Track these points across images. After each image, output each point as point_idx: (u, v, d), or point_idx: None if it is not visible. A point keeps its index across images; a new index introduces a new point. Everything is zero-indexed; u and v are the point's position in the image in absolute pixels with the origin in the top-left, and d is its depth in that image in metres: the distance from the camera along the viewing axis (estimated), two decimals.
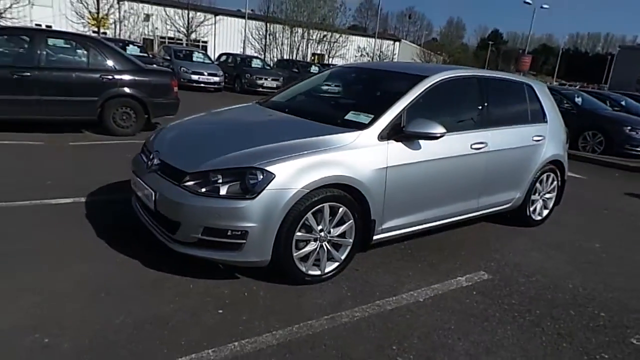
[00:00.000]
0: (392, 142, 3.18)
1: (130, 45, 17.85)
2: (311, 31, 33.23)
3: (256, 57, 22.36)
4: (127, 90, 6.98)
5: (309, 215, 2.82)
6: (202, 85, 16.20)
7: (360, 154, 3.02)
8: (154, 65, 10.91)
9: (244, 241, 2.68)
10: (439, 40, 65.54)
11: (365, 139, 3.08)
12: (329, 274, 3.05)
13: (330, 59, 34.60)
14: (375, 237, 3.25)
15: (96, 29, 26.45)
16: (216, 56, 24.26)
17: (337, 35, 34.77)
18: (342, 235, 3.04)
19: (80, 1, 26.18)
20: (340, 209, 2.95)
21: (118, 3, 29.88)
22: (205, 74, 16.33)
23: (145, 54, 17.97)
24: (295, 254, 2.85)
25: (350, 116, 3.35)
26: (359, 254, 3.39)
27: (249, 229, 2.65)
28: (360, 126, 3.16)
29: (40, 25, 26.95)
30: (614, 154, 9.80)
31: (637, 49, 57.77)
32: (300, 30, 33.01)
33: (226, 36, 39.54)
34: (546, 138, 4.41)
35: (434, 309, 2.85)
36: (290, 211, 2.71)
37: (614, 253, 4.18)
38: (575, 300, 3.16)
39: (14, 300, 2.47)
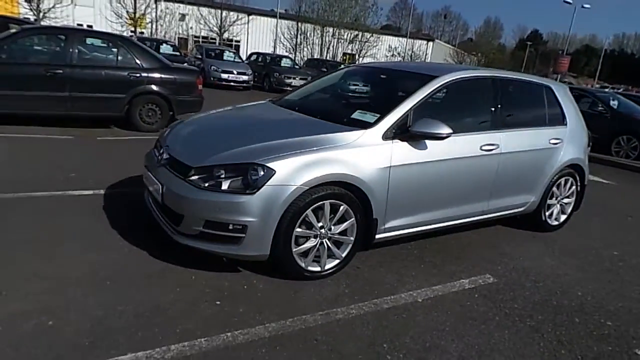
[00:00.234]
0: (397, 142, 3.18)
1: (164, 44, 18.42)
2: (342, 31, 33.24)
3: (285, 57, 22.56)
4: (153, 87, 7.21)
5: (309, 212, 2.86)
6: (231, 83, 16.49)
7: (363, 152, 3.03)
8: (185, 64, 11.23)
9: (243, 235, 2.74)
10: (474, 40, 64.25)
11: (368, 137, 3.10)
12: (329, 271, 3.08)
13: (361, 59, 34.53)
14: (377, 236, 3.26)
15: (133, 29, 27.35)
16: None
17: (368, 35, 34.64)
18: (344, 233, 3.06)
19: (118, 1, 27.13)
20: (341, 207, 2.97)
21: (155, 3, 30.77)
22: (235, 72, 16.61)
23: (178, 53, 18.50)
24: (294, 250, 2.89)
25: (356, 115, 3.38)
26: (364, 252, 3.42)
27: (248, 223, 2.72)
28: (365, 125, 3.18)
29: (81, 25, 28.05)
30: None
31: None
32: (331, 29, 33.08)
33: (259, 35, 40.08)
34: (564, 141, 4.29)
35: (431, 310, 2.84)
36: (289, 207, 2.76)
37: (632, 262, 4.03)
38: (581, 308, 3.08)
39: (25, 286, 2.61)
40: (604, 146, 9.91)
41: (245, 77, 16.85)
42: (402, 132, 3.20)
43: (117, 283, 2.74)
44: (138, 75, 7.06)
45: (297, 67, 21.09)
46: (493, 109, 3.84)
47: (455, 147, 3.43)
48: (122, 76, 6.97)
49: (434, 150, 3.30)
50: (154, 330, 2.35)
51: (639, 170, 8.85)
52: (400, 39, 44.82)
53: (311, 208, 2.85)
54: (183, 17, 34.64)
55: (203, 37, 34.60)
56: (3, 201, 3.76)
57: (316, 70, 20.49)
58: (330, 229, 3.00)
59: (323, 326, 2.55)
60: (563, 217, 4.63)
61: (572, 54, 47.46)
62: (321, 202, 2.88)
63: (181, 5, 34.32)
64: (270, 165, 2.75)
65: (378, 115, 3.24)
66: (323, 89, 4.53)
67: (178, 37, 33.80)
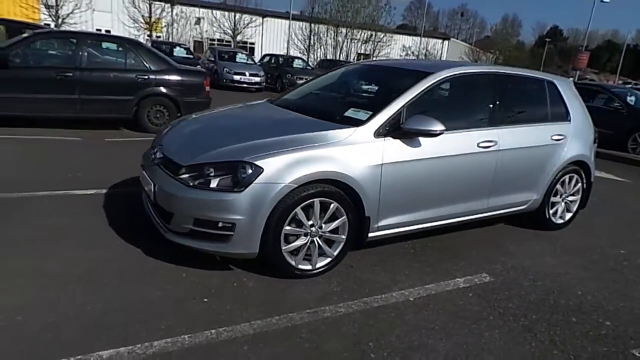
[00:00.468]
0: (390, 139, 3.15)
1: (177, 48, 18.67)
2: (355, 31, 33.18)
3: (298, 58, 22.63)
4: (161, 89, 7.30)
5: (298, 210, 2.85)
6: (244, 85, 16.63)
7: (354, 150, 3.01)
8: (194, 66, 11.34)
9: (232, 233, 2.75)
10: (491, 38, 63.29)
11: (360, 135, 3.07)
12: (320, 269, 3.06)
13: (375, 58, 34.40)
14: (371, 235, 3.23)
15: (149, 33, 27.80)
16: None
17: (382, 35, 34.50)
18: (335, 231, 3.05)
19: (134, 6, 27.61)
20: (332, 205, 2.95)
21: (171, 7, 31.21)
22: (247, 74, 16.75)
23: (191, 56, 18.73)
24: (284, 248, 2.89)
25: (349, 113, 3.36)
26: (359, 251, 3.40)
27: (237, 221, 2.73)
28: (357, 123, 3.16)
29: (100, 30, 28.61)
30: None
31: None
32: (344, 30, 33.05)
33: (273, 37, 40.29)
34: (568, 137, 4.19)
35: (422, 309, 2.80)
36: (277, 205, 2.76)
37: (638, 261, 3.91)
38: (579, 307, 3.00)
39: (21, 283, 2.67)
40: (620, 143, 9.66)
41: (257, 79, 16.97)
42: (394, 129, 3.17)
43: (110, 280, 2.78)
44: (146, 77, 7.16)
45: (309, 67, 21.12)
46: (491, 105, 3.78)
47: (450, 144, 3.39)
48: (131, 78, 7.08)
49: (428, 147, 3.26)
50: (139, 326, 2.37)
51: None
52: (415, 38, 44.50)
53: (300, 206, 2.85)
54: (199, 20, 35.09)
55: (218, 40, 34.95)
56: (8, 200, 3.85)
57: (328, 71, 20.48)
58: (320, 227, 2.99)
59: (309, 324, 2.53)
60: (568, 216, 4.52)
61: (593, 50, 46.39)
62: (311, 200, 2.87)
63: (195, 8, 34.75)
64: (258, 163, 2.75)
65: (370, 113, 3.22)
66: (321, 88, 4.52)
67: (194, 40, 34.22)
